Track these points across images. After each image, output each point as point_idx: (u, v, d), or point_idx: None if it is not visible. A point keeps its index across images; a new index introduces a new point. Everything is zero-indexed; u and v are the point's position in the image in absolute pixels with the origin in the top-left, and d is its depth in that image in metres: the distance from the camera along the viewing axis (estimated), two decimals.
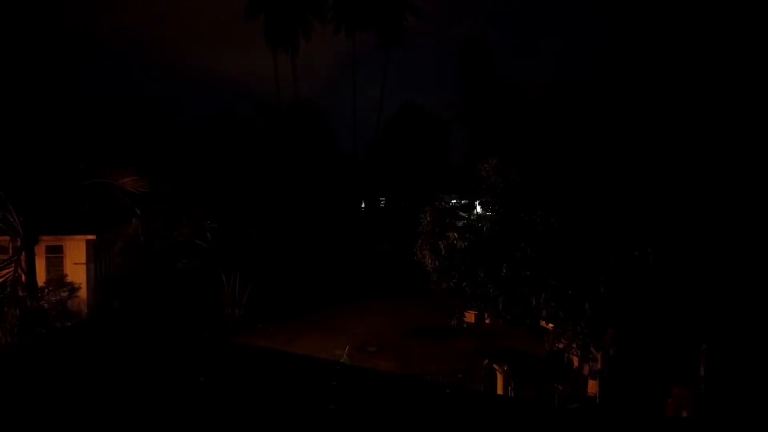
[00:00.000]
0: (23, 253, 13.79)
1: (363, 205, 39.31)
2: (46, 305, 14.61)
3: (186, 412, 3.05)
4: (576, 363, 14.13)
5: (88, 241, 18.71)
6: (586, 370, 13.61)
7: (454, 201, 15.96)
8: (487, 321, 20.25)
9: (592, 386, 13.11)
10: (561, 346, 13.15)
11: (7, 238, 14.82)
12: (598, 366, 12.69)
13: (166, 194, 20.15)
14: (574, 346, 12.64)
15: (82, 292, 17.97)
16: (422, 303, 21.22)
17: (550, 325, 12.95)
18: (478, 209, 14.47)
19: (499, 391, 13.22)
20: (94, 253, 19.08)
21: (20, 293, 13.40)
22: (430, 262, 13.23)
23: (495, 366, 13.60)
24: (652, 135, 13.39)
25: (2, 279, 13.31)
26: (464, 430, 2.92)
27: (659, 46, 14.45)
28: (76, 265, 18.49)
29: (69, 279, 17.63)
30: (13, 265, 13.52)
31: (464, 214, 14.55)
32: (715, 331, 11.33)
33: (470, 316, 20.01)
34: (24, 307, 13.06)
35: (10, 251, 14.76)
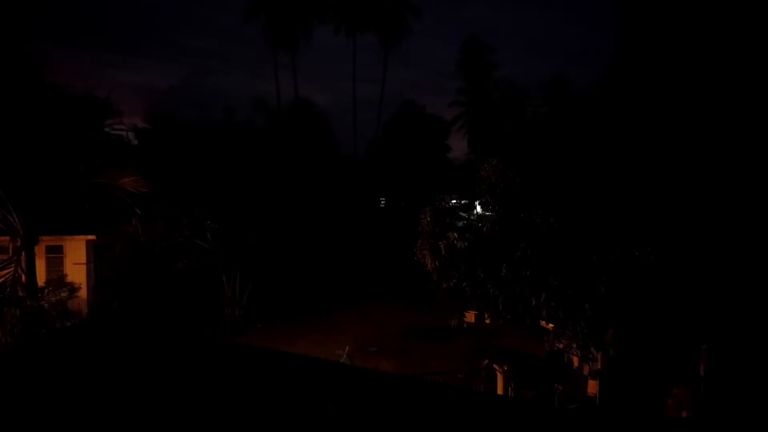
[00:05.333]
0: (23, 253, 13.81)
1: (363, 206, 39.28)
2: (46, 305, 14.59)
3: (186, 411, 3.05)
4: (576, 363, 14.13)
5: (88, 241, 18.72)
6: (586, 370, 13.61)
7: (454, 201, 15.93)
8: (487, 321, 20.20)
9: (592, 386, 13.11)
10: (561, 346, 13.16)
11: (7, 238, 14.85)
12: (598, 366, 12.69)
13: (166, 194, 20.12)
14: (574, 346, 12.66)
15: (82, 292, 17.96)
16: (422, 303, 21.19)
17: (550, 325, 12.96)
18: (478, 209, 14.48)
19: (499, 391, 13.21)
20: (94, 253, 19.08)
21: (20, 293, 13.41)
22: (430, 262, 13.23)
23: (495, 366, 13.59)
24: (653, 137, 13.40)
25: (2, 279, 13.32)
26: (465, 430, 2.93)
27: (657, 53, 14.48)
28: (76, 265, 18.49)
29: (69, 279, 17.61)
30: (13, 265, 13.54)
31: (464, 215, 14.56)
32: (715, 332, 11.33)
33: (470, 316, 20.00)
34: (24, 307, 13.06)
35: (10, 251, 14.78)
